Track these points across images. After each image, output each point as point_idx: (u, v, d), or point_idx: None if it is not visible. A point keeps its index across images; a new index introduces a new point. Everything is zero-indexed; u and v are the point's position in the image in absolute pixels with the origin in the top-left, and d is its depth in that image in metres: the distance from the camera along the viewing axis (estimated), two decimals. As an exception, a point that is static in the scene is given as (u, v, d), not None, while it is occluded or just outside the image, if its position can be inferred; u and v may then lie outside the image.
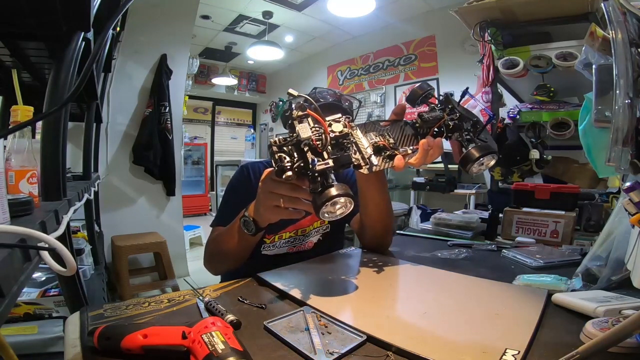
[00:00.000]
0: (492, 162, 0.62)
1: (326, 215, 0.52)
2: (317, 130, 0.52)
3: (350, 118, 0.59)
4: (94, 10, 0.72)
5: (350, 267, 0.73)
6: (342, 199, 0.50)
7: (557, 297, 0.55)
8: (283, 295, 0.59)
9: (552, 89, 1.33)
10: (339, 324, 0.47)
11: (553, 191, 1.11)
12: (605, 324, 0.43)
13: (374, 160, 0.58)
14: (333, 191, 0.49)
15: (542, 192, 1.12)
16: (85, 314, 0.51)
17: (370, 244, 0.87)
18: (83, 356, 0.41)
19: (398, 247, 0.90)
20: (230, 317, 0.47)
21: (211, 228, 0.92)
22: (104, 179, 2.44)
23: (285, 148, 0.52)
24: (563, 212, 1.03)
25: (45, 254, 0.39)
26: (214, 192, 5.72)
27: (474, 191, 2.84)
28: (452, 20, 1.40)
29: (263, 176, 0.63)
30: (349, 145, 0.56)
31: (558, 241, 1.01)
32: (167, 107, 2.67)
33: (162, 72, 2.65)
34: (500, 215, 1.16)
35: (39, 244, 0.39)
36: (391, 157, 0.60)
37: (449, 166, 2.91)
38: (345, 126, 0.55)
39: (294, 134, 0.51)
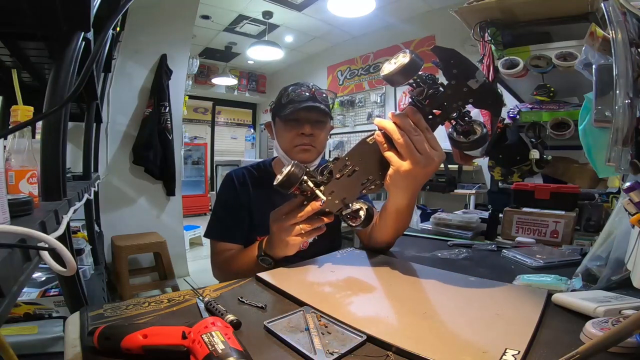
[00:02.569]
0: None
1: None
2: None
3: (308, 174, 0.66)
4: (94, 10, 0.72)
5: (350, 267, 0.73)
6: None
7: (557, 297, 0.55)
8: (283, 295, 0.59)
9: (552, 89, 1.33)
10: (339, 324, 0.47)
11: (553, 191, 1.11)
12: (605, 324, 0.43)
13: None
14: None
15: (542, 192, 1.12)
16: (85, 314, 0.51)
17: (374, 246, 0.87)
18: (83, 356, 0.41)
19: (398, 247, 0.90)
20: (230, 317, 0.47)
21: (209, 239, 0.98)
22: (104, 179, 2.44)
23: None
24: (563, 212, 1.03)
25: (45, 254, 0.39)
26: (214, 192, 5.73)
27: (474, 191, 2.84)
28: (452, 20, 1.40)
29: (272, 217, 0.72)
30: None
31: (558, 241, 1.01)
32: (167, 107, 2.67)
33: (162, 72, 2.65)
34: (500, 215, 1.16)
35: (39, 244, 0.39)
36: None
37: (449, 166, 2.91)
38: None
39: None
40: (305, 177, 0.65)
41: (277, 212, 0.72)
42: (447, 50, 0.58)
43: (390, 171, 0.61)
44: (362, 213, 0.66)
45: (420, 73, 0.59)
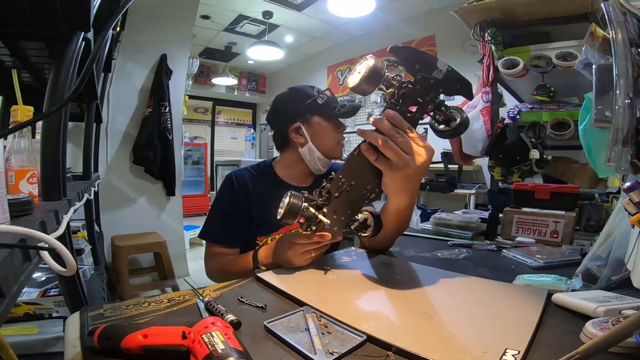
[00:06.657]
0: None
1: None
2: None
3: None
4: (94, 10, 0.72)
5: (350, 267, 0.73)
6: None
7: (557, 297, 0.55)
8: (283, 295, 0.59)
9: (552, 89, 1.33)
10: (339, 324, 0.47)
11: (553, 191, 1.11)
12: (605, 324, 0.43)
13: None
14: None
15: (542, 192, 1.12)
16: (85, 314, 0.51)
17: (374, 246, 0.87)
18: (83, 356, 0.41)
19: (398, 247, 0.90)
20: (230, 317, 0.47)
21: (204, 240, 0.98)
22: (104, 179, 2.44)
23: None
24: (563, 212, 1.03)
25: (45, 254, 0.39)
26: (214, 192, 5.72)
27: (474, 191, 2.84)
28: (452, 20, 1.40)
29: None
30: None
31: (558, 241, 1.01)
32: (167, 107, 2.67)
33: (162, 72, 2.65)
34: (500, 215, 1.16)
35: (39, 244, 0.39)
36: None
37: (449, 166, 2.91)
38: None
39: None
40: (305, 204, 0.64)
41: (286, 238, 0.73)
42: (403, 48, 0.59)
43: (384, 178, 0.61)
44: (370, 222, 0.65)
45: (387, 75, 0.59)
